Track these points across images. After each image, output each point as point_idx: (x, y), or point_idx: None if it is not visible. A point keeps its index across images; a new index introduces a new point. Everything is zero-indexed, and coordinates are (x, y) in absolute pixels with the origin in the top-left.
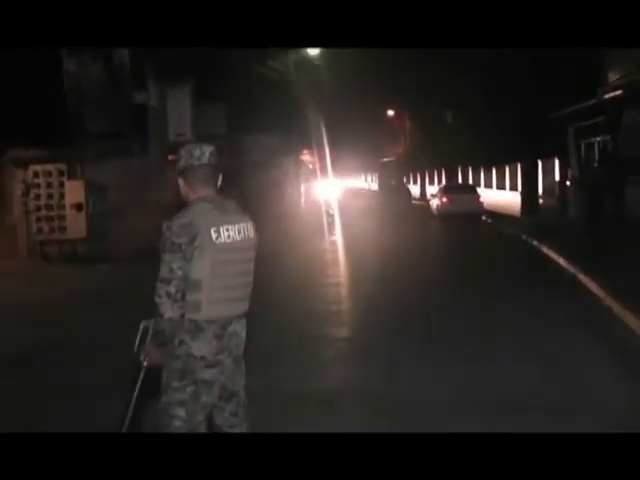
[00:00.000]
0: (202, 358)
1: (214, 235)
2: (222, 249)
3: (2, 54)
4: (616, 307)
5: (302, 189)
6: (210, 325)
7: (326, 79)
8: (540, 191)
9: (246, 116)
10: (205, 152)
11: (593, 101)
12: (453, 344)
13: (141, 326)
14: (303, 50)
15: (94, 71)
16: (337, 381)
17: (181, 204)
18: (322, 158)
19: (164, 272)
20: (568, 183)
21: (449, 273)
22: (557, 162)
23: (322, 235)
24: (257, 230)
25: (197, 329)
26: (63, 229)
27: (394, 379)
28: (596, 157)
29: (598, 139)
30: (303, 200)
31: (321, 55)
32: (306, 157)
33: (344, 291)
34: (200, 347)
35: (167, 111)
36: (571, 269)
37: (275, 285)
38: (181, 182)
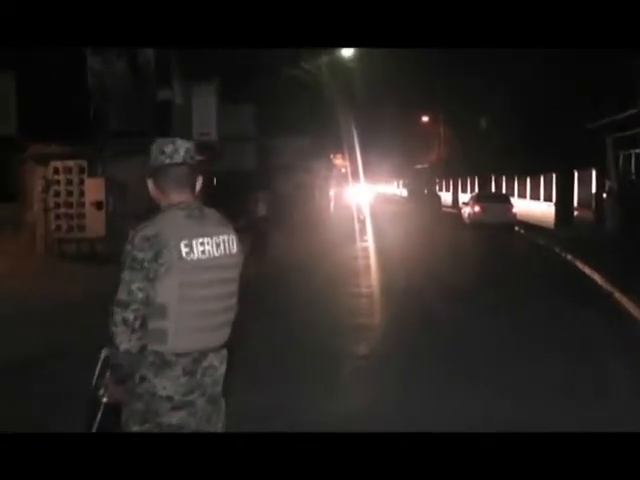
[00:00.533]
0: (168, 398)
1: (184, 250)
2: (194, 267)
3: (26, 52)
4: None
5: (332, 193)
6: (179, 359)
7: (359, 82)
8: (575, 203)
9: (276, 118)
10: (179, 149)
11: (634, 111)
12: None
13: (102, 355)
14: (336, 51)
15: (118, 68)
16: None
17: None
18: (354, 162)
19: (122, 294)
20: (605, 195)
21: (479, 287)
22: (594, 173)
23: (352, 241)
24: (244, 246)
25: (162, 363)
26: (82, 227)
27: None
28: (634, 169)
29: (637, 151)
30: (333, 205)
31: (354, 57)
32: (338, 161)
33: (370, 303)
34: (165, 385)
35: (192, 110)
36: (608, 287)
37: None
38: (150, 184)
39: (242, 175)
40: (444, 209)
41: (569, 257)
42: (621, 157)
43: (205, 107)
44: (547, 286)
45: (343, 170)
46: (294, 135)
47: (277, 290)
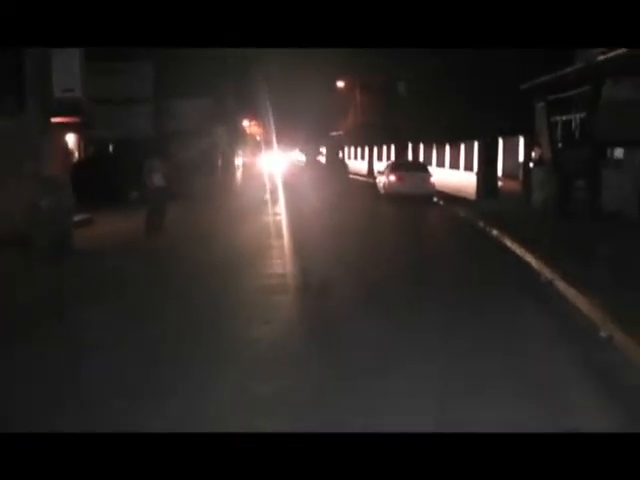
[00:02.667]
0: None
1: None
2: None
3: None
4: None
5: (241, 162)
6: None
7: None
8: (500, 173)
9: (177, 77)
10: None
11: (570, 69)
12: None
13: None
14: None
15: None
16: None
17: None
18: (267, 129)
19: None
20: (531, 165)
21: (393, 272)
22: (522, 141)
23: (258, 213)
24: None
25: None
26: None
27: None
28: (569, 137)
29: (574, 116)
30: (241, 174)
31: None
32: (253, 129)
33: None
34: None
35: (51, 58)
36: (545, 271)
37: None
38: None
39: (137, 142)
40: (361, 178)
41: (495, 233)
42: (555, 123)
43: (70, 59)
44: (472, 269)
45: (258, 138)
46: (196, 96)
47: (172, 270)
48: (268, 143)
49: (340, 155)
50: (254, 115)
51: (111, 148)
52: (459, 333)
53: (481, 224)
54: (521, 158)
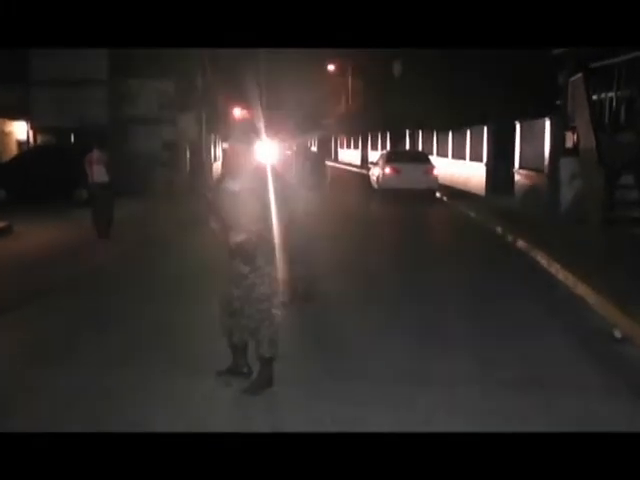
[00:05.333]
0: None
1: None
2: None
3: None
4: None
5: (220, 153)
6: None
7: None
8: (517, 164)
9: (136, 54)
10: None
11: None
12: None
13: None
14: None
15: None
16: None
17: None
18: (255, 117)
19: None
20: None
21: (386, 297)
22: (548, 124)
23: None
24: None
25: None
26: None
27: None
28: (616, 120)
29: (621, 93)
30: (219, 167)
31: None
32: (239, 115)
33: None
34: None
35: None
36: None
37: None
38: None
39: (88, 130)
40: (353, 169)
41: (520, 244)
42: (605, 102)
43: None
44: (500, 313)
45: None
46: (158, 77)
47: (124, 282)
48: (257, 132)
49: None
50: (241, 102)
51: (57, 139)
52: None
53: (499, 230)
54: (547, 147)
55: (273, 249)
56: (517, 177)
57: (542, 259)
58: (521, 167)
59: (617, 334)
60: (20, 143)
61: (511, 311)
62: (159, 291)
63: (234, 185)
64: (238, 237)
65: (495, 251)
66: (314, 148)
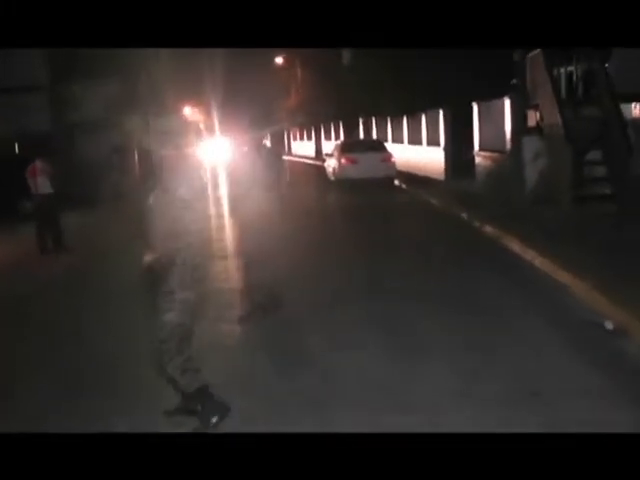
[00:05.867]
0: None
1: None
2: None
3: None
4: None
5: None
6: None
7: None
8: (476, 146)
9: (78, 58)
10: None
11: None
12: None
13: None
14: None
15: None
16: None
17: None
18: (208, 115)
19: None
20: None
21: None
22: (508, 103)
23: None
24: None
25: None
26: None
27: None
28: (572, 95)
29: (579, 66)
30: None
31: None
32: (194, 116)
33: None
34: None
35: None
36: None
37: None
38: None
39: (31, 138)
40: (308, 161)
41: (488, 229)
42: (559, 75)
43: None
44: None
45: (201, 126)
46: (101, 79)
47: (65, 303)
48: (210, 130)
49: (267, 145)
50: (193, 101)
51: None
52: None
53: (465, 216)
54: (508, 127)
55: (195, 270)
56: (478, 159)
57: (514, 245)
58: (481, 149)
59: (608, 325)
60: None
61: (493, 307)
62: (100, 315)
63: (157, 196)
64: (146, 257)
65: (465, 241)
66: (268, 143)
